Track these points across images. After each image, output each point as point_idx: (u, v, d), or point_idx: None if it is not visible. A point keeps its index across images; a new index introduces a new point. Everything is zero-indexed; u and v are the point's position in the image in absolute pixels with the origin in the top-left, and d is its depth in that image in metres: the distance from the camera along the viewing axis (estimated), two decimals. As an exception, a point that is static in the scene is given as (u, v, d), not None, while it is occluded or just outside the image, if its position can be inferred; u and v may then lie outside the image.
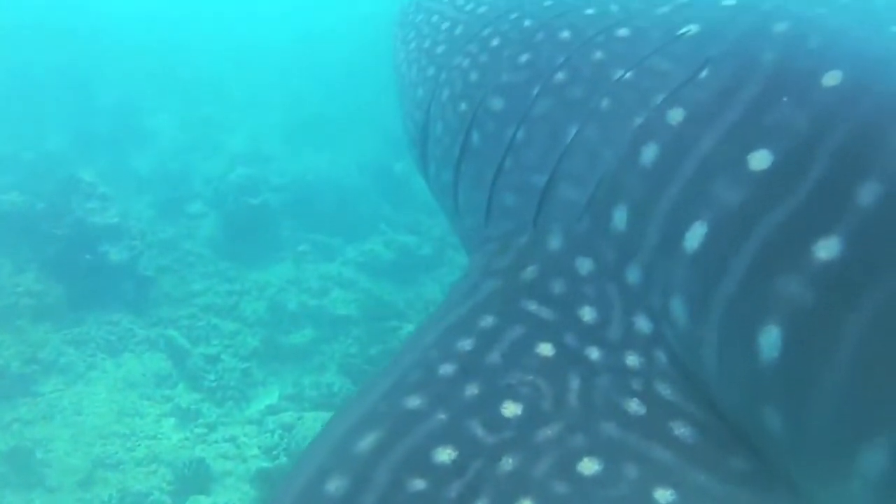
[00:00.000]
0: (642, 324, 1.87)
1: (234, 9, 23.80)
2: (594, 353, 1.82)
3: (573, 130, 2.23)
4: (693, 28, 2.14)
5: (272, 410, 8.28)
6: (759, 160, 1.65)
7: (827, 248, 1.46)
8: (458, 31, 3.26)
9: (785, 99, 1.71)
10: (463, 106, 2.85)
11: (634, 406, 1.70)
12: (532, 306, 1.95)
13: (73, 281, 9.36)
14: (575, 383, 1.75)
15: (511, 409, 1.68)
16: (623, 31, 2.37)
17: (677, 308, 1.78)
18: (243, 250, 11.14)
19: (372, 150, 14.65)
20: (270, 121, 16.44)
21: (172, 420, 7.97)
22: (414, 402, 1.72)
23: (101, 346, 8.85)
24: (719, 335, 1.67)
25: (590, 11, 2.60)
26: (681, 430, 1.67)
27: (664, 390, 1.75)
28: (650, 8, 2.42)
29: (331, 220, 12.11)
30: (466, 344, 1.86)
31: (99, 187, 10.15)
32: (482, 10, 3.20)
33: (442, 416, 1.68)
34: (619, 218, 1.97)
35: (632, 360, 1.80)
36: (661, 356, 1.81)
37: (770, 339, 1.53)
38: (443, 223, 10.88)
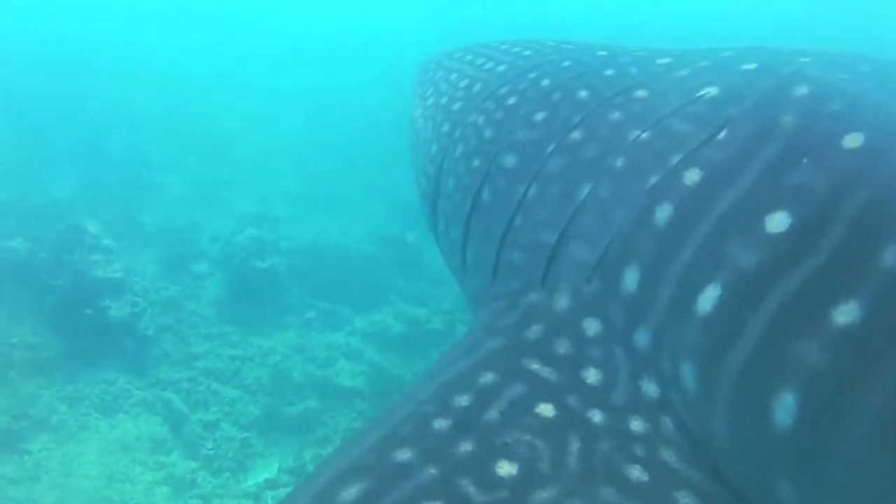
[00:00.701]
0: (649, 388, 1.85)
1: (249, 72, 23.81)
2: (597, 416, 1.79)
3: (586, 189, 2.23)
4: (712, 90, 2.16)
5: (271, 485, 7.81)
6: (777, 223, 1.64)
7: (846, 314, 1.44)
8: (475, 88, 3.31)
9: (804, 161, 1.70)
10: (476, 162, 2.87)
11: (637, 472, 1.66)
12: (535, 365, 1.94)
13: (70, 335, 8.99)
14: (575, 446, 1.72)
15: (506, 468, 1.64)
16: (641, 93, 2.40)
17: (687, 373, 1.76)
18: (248, 314, 10.79)
19: (384, 220, 14.53)
20: (281, 184, 16.31)
21: (165, 489, 7.50)
22: (404, 455, 1.68)
23: (95, 404, 8.40)
24: (731, 402, 1.64)
25: (609, 73, 2.65)
26: (685, 499, 1.62)
27: (669, 457, 1.72)
28: (669, 70, 2.46)
29: (340, 288, 11.78)
30: (463, 399, 1.84)
31: (103, 239, 9.87)
32: (501, 68, 3.26)
33: (432, 471, 1.64)
34: (630, 279, 1.97)
35: (636, 424, 1.78)
36: (667, 422, 1.79)
37: (784, 407, 1.50)
38: (453, 296, 10.94)
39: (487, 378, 1.91)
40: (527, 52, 3.32)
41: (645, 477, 1.66)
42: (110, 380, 8.78)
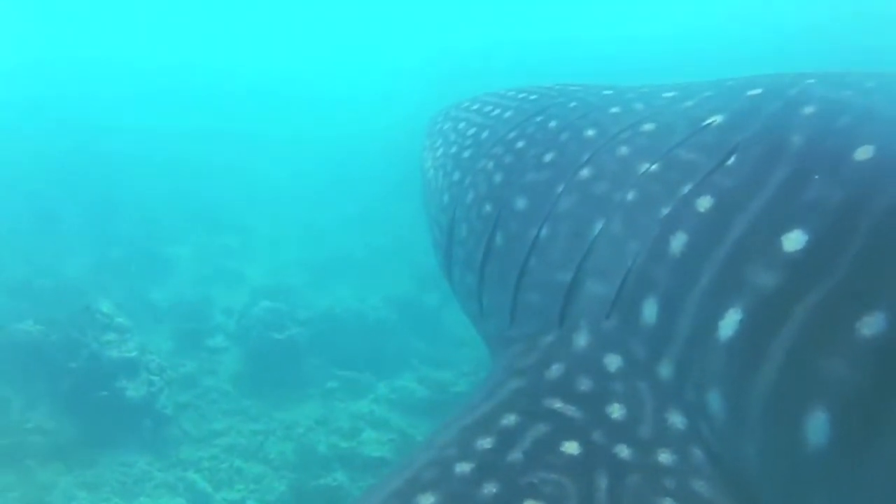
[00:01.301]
0: (676, 420, 1.83)
1: (254, 142, 23.86)
2: (624, 451, 1.77)
3: (599, 225, 2.24)
4: (718, 118, 2.17)
5: (301, 563, 7.44)
6: (793, 241, 1.65)
7: (871, 325, 1.43)
8: (483, 135, 3.34)
9: (817, 177, 1.71)
10: (487, 207, 2.90)
11: None
12: (557, 404, 1.93)
13: (87, 418, 8.73)
14: (603, 482, 1.69)
15: None
16: (648, 126, 2.42)
17: (714, 401, 1.75)
18: (268, 387, 10.51)
19: (399, 282, 14.35)
20: (292, 253, 16.14)
21: (194, 573, 7.15)
22: (427, 500, 1.67)
23: (115, 489, 8.05)
24: (761, 426, 1.62)
25: (615, 110, 2.68)
26: None
27: (700, 488, 1.69)
28: (674, 102, 2.48)
29: (360, 356, 11.50)
30: (486, 442, 1.84)
31: (116, 318, 9.70)
32: (508, 114, 3.29)
33: None
34: (649, 312, 1.97)
35: (665, 457, 1.75)
36: (696, 453, 1.77)
37: (817, 426, 1.48)
38: (475, 357, 10.69)
39: (510, 419, 1.90)
40: (533, 97, 3.34)
41: None
42: (130, 462, 8.49)
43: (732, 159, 1.98)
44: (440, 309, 13.17)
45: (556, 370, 2.07)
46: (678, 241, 1.95)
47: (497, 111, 3.43)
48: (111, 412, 8.80)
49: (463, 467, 1.76)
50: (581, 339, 2.12)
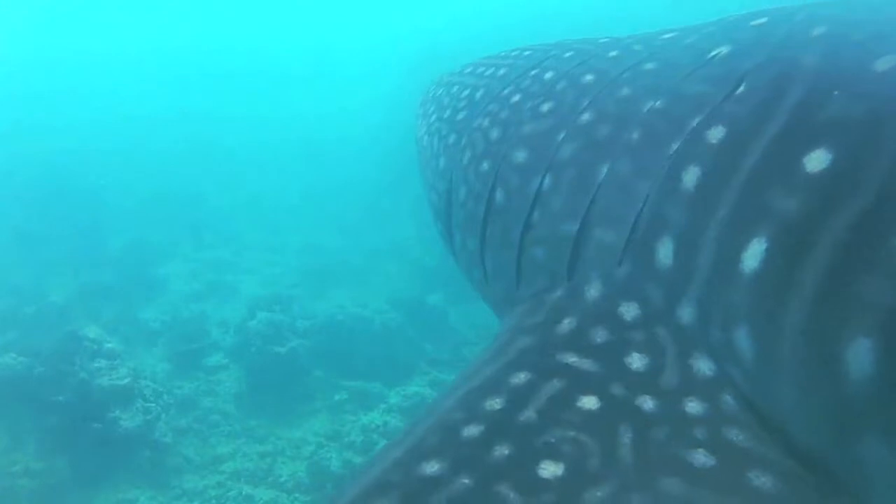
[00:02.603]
0: (702, 366, 1.76)
1: (244, 153, 23.39)
2: (648, 403, 1.69)
3: (604, 170, 2.17)
4: (724, 49, 2.11)
5: None
6: (817, 161, 1.58)
7: None
8: (478, 95, 3.28)
9: (836, 93, 1.64)
10: (485, 165, 2.82)
11: (701, 457, 1.57)
12: (572, 358, 1.85)
13: (79, 454, 8.17)
14: (627, 437, 1.62)
15: (550, 469, 1.56)
16: (649, 65, 2.35)
17: (742, 340, 1.67)
18: (272, 404, 10.08)
19: (400, 283, 14.17)
20: (287, 261, 15.85)
21: None
22: (432, 467, 1.60)
23: (115, 530, 7.58)
24: (796, 361, 1.54)
25: (613, 54, 2.61)
26: (759, 479, 1.52)
27: (735, 436, 1.62)
28: (676, 41, 2.42)
29: (366, 364, 11.09)
30: (495, 403, 1.76)
31: (105, 343, 9.20)
32: (502, 72, 3.23)
33: (465, 481, 1.56)
34: (664, 253, 1.90)
35: (693, 406, 1.68)
36: (727, 399, 1.69)
37: (860, 354, 1.40)
38: None
39: (520, 378, 1.82)
40: (527, 53, 3.27)
41: (711, 461, 1.56)
42: (130, 499, 8.01)
43: (742, 87, 1.90)
44: (446, 308, 13.00)
45: (567, 324, 1.98)
46: (691, 176, 1.86)
47: (490, 70, 3.36)
48: (105, 446, 8.30)
49: (471, 430, 1.68)
50: (593, 290, 2.04)
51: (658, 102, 2.14)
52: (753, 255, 1.64)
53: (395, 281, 14.29)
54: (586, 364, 1.82)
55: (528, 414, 1.70)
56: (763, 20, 2.14)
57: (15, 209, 16.63)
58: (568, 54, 2.88)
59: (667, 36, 2.55)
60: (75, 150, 21.09)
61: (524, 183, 2.50)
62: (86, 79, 29.11)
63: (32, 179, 18.43)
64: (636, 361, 1.80)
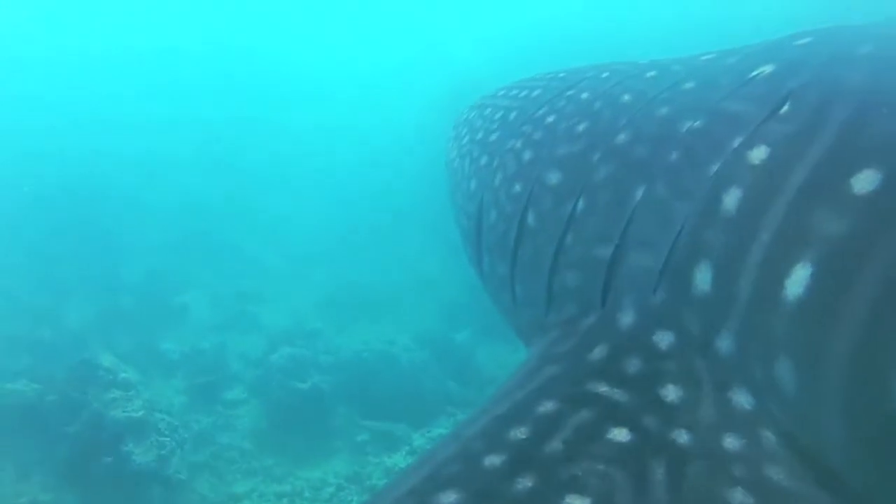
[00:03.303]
0: (741, 399, 1.70)
1: (267, 178, 23.17)
2: (682, 437, 1.64)
3: (640, 192, 2.12)
4: (767, 68, 2.06)
5: None
6: (865, 181, 1.52)
7: None
8: (511, 116, 3.24)
9: (884, 111, 1.61)
10: (517, 187, 2.78)
11: (739, 497, 1.52)
12: (602, 388, 1.80)
13: (88, 488, 8.00)
14: (659, 472, 1.57)
15: None
16: (689, 84, 2.31)
17: (784, 372, 1.60)
18: (292, 443, 9.84)
19: (428, 321, 13.91)
20: (311, 294, 15.46)
21: None
22: (448, 497, 1.56)
23: (123, 571, 7.33)
24: (843, 395, 1.46)
25: (651, 74, 2.58)
26: None
27: (775, 474, 1.56)
28: (716, 61, 2.39)
29: (390, 403, 10.78)
30: (520, 432, 1.71)
31: (120, 373, 9.11)
32: (536, 93, 3.18)
33: None
34: (702, 279, 1.82)
35: (731, 441, 1.62)
36: (767, 435, 1.63)
37: None
38: None
39: (547, 407, 1.77)
40: (562, 75, 3.23)
41: (749, 501, 1.49)
42: None
43: (786, 106, 1.84)
44: (473, 346, 12.83)
45: (599, 352, 1.94)
46: (731, 198, 1.80)
47: (525, 92, 3.32)
48: (116, 480, 8.02)
49: (493, 460, 1.64)
50: (626, 318, 1.98)
51: (697, 122, 2.08)
52: (797, 281, 1.57)
53: (421, 316, 14.05)
54: (618, 394, 1.77)
55: (555, 445, 1.66)
56: (807, 39, 2.11)
57: (34, 229, 16.50)
58: (605, 75, 2.83)
59: (707, 57, 2.51)
60: (97, 173, 20.87)
61: (557, 205, 2.46)
62: (109, 99, 28.97)
63: (53, 199, 18.35)
64: (671, 393, 1.75)
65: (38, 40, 34.96)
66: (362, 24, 44.52)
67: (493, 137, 3.29)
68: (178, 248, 16.89)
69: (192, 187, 21.17)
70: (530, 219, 2.62)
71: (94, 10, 40.55)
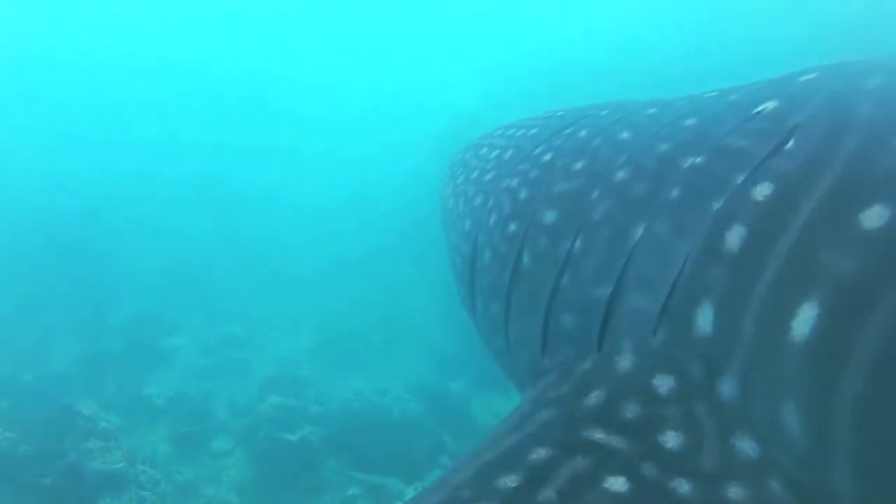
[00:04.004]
0: (745, 446, 1.63)
1: (257, 226, 23.00)
2: (683, 487, 1.58)
3: (639, 230, 2.06)
4: (771, 104, 2.03)
5: None
6: (874, 217, 1.49)
7: None
8: (507, 155, 3.20)
9: (893, 144, 1.57)
10: (512, 227, 2.72)
11: None
12: (598, 435, 1.73)
13: None
14: None
15: None
16: (690, 121, 2.27)
17: (790, 417, 1.54)
18: (279, 496, 9.56)
19: (421, 369, 13.64)
20: (301, 338, 15.26)
21: None
22: None
23: None
24: (855, 441, 1.41)
25: (652, 111, 2.55)
26: None
27: None
28: (719, 98, 2.35)
29: (382, 456, 10.48)
30: (510, 480, 1.65)
31: (100, 422, 8.78)
32: (533, 132, 3.16)
33: None
34: (704, 320, 1.77)
35: (735, 492, 1.56)
36: (773, 485, 1.56)
37: None
38: None
39: (540, 454, 1.69)
40: (560, 113, 3.21)
41: None
42: None
43: (792, 141, 1.79)
44: (468, 396, 12.56)
45: (595, 397, 1.85)
46: (735, 236, 1.75)
47: (521, 131, 3.28)
48: None
49: None
50: (624, 361, 1.92)
51: (699, 158, 2.04)
52: (804, 321, 1.53)
53: (414, 363, 13.78)
54: (615, 441, 1.72)
55: (548, 494, 1.61)
56: (813, 75, 2.07)
57: (22, 268, 16.31)
58: (604, 112, 2.81)
59: (710, 95, 2.46)
60: (87, 211, 20.77)
61: (553, 245, 2.40)
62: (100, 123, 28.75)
63: (41, 238, 18.17)
64: (671, 440, 1.69)
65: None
66: (358, 55, 44.63)
67: (489, 176, 3.24)
68: (166, 289, 16.68)
69: (183, 226, 21.09)
70: (525, 259, 2.56)
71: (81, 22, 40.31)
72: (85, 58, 34.17)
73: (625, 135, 2.48)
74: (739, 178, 1.84)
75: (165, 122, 29.32)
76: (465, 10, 40.78)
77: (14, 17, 38.23)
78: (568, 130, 2.86)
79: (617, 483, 1.60)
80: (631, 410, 1.78)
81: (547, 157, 2.79)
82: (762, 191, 1.75)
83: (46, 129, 26.70)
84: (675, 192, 2.02)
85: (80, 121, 28.22)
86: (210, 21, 42.83)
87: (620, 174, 2.28)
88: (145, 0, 42.00)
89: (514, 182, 2.88)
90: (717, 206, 1.85)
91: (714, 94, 2.45)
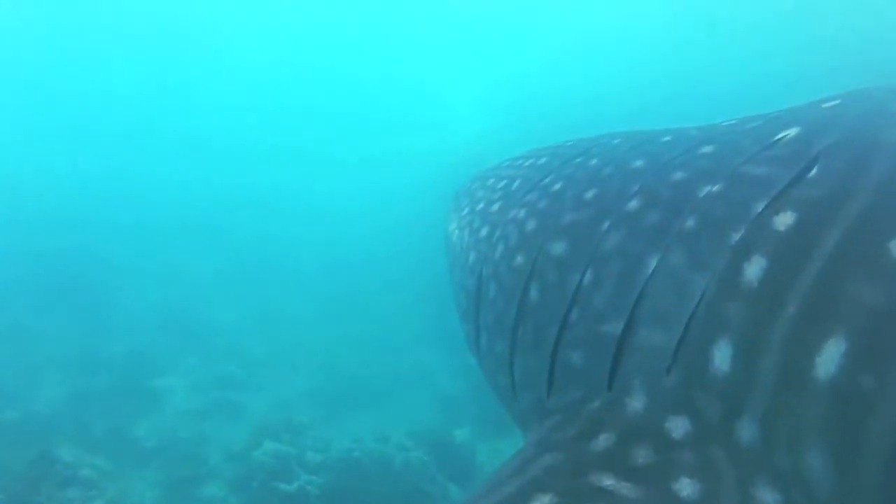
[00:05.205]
0: (765, 494, 1.56)
1: (254, 263, 22.83)
2: None
3: (653, 262, 2.01)
4: (792, 131, 2.00)
5: None
6: None
7: None
8: (515, 185, 3.14)
9: None
10: (519, 259, 2.64)
11: None
12: (607, 481, 1.67)
13: None
14: None
15: None
16: (707, 148, 2.22)
17: (815, 463, 1.49)
18: None
19: (424, 415, 13.21)
20: (299, 382, 14.76)
21: None
22: None
23: None
24: (885, 487, 1.37)
25: (666, 139, 2.50)
26: None
27: None
28: (737, 125, 2.32)
29: None
30: None
31: (81, 469, 8.51)
32: (542, 161, 3.10)
33: None
34: (721, 358, 1.72)
35: None
36: None
37: None
38: None
39: (543, 501, 1.63)
40: (570, 143, 3.14)
41: None
42: None
43: (815, 169, 1.75)
44: (474, 444, 12.10)
45: (604, 440, 1.78)
46: (755, 268, 1.69)
47: (530, 161, 3.21)
48: None
49: None
50: (636, 402, 1.84)
51: (716, 186, 2.00)
52: (829, 359, 1.47)
53: (416, 409, 13.36)
54: (625, 488, 1.62)
55: None
56: (836, 102, 2.05)
57: (13, 303, 16.07)
58: (616, 141, 2.75)
59: (727, 122, 2.42)
60: (83, 245, 20.79)
61: (562, 278, 2.34)
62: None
63: (36, 269, 18.10)
64: (686, 487, 1.59)
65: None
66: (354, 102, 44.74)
67: (495, 207, 3.16)
68: (160, 327, 16.32)
69: (179, 261, 20.96)
70: (532, 293, 2.49)
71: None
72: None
73: (638, 163, 2.41)
74: (760, 207, 1.81)
75: (147, 162, 29.46)
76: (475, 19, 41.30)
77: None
78: (578, 160, 2.79)
79: None
80: (643, 455, 1.73)
81: (556, 186, 2.72)
82: (784, 220, 1.72)
83: (37, 166, 26.63)
84: (690, 222, 1.97)
85: (56, 155, 28.28)
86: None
87: (633, 203, 2.23)
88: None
89: (522, 212, 2.80)
90: (735, 236, 1.81)
91: (732, 122, 2.41)
